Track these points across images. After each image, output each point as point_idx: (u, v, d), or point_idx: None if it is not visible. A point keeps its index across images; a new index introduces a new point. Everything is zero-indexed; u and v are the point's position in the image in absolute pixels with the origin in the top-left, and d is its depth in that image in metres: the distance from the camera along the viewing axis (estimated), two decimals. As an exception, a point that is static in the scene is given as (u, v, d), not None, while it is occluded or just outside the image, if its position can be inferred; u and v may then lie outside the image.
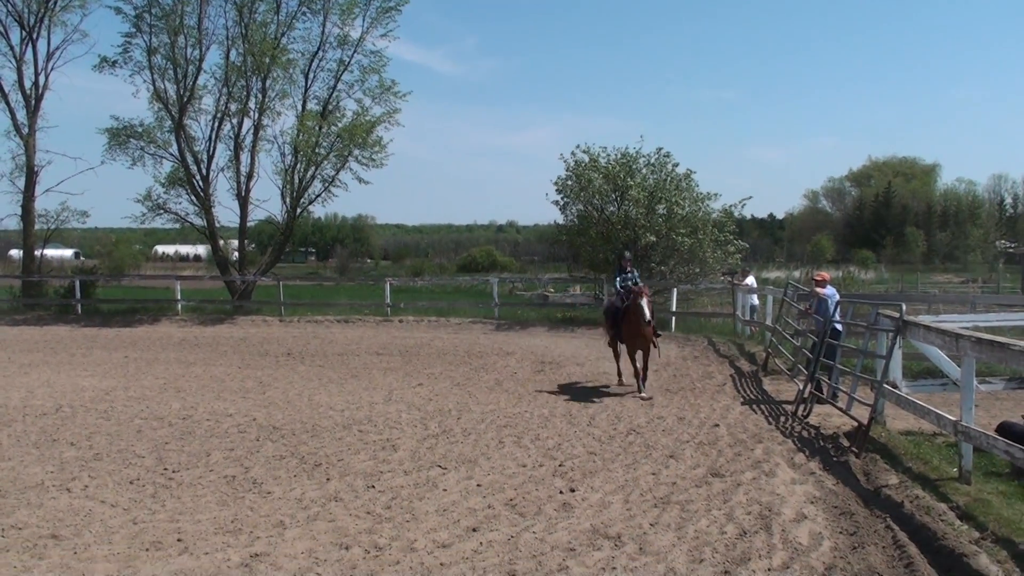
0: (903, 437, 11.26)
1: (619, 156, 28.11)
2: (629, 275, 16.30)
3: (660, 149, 28.10)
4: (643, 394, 15.06)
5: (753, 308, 23.78)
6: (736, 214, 29.33)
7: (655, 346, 15.96)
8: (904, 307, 11.36)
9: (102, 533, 7.70)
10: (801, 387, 13.61)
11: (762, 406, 14.02)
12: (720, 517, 8.10)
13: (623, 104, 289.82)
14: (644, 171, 27.95)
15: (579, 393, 15.39)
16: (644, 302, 15.01)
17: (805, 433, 11.91)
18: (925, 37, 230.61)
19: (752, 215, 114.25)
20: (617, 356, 16.67)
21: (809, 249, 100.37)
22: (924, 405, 10.10)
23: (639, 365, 15.56)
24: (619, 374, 16.55)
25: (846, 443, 11.06)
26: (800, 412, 13.01)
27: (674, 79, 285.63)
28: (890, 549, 7.20)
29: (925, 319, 12.37)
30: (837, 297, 14.54)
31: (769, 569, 6.78)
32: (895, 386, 11.51)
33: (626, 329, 15.62)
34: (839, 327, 14.00)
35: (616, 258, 20.42)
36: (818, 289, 14.62)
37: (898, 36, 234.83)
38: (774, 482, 9.32)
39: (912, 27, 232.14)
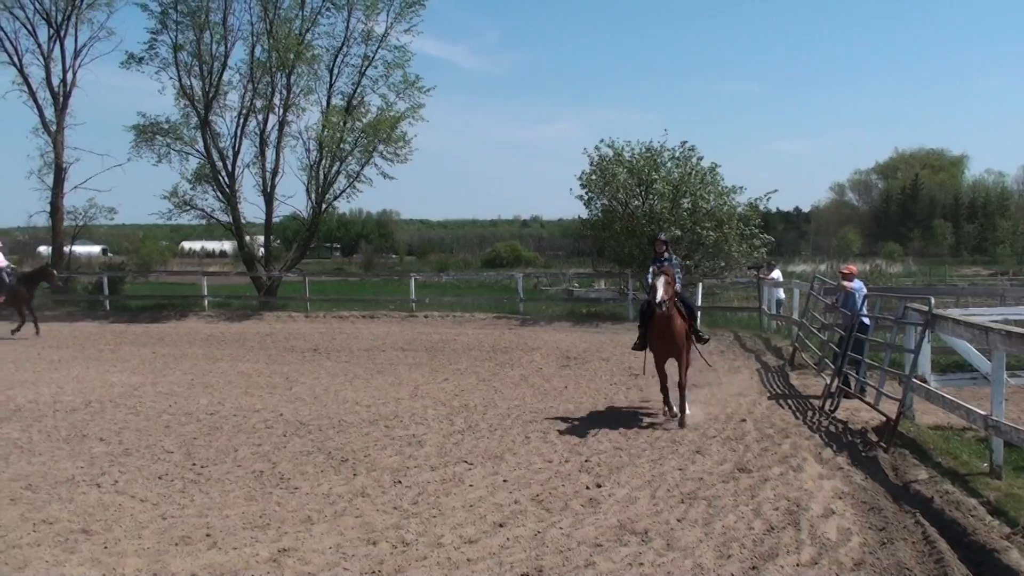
0: (932, 432, 11.17)
1: (643, 150, 28.07)
2: (665, 261, 12.75)
3: (685, 143, 28.08)
4: (682, 418, 12.15)
5: (779, 302, 23.66)
6: (761, 207, 29.22)
7: (695, 351, 13.28)
8: (932, 300, 11.26)
9: (132, 528, 7.76)
10: (828, 382, 13.54)
11: (789, 401, 13.96)
12: (747, 513, 8.07)
13: (647, 97, 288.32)
14: (669, 165, 27.89)
15: (604, 388, 15.35)
16: (660, 281, 11.90)
17: (833, 428, 11.84)
18: (952, 26, 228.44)
19: (777, 208, 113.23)
20: (659, 374, 12.89)
21: (835, 242, 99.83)
22: (953, 399, 10.01)
23: (674, 379, 12.56)
24: (666, 403, 12.82)
25: (874, 438, 10.98)
26: (828, 407, 12.94)
27: (697, 72, 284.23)
28: (920, 545, 7.14)
29: (954, 312, 12.25)
30: (864, 291, 14.44)
31: (798, 565, 6.74)
32: (924, 380, 11.42)
33: (652, 331, 12.53)
34: (867, 321, 13.90)
35: (650, 243, 19.61)
36: (845, 283, 14.51)
37: (924, 26, 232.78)
38: (802, 477, 9.27)
39: (938, 16, 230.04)
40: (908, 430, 10.98)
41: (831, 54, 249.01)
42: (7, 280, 23.30)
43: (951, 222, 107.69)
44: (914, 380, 11.16)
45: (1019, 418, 10.52)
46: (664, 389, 12.76)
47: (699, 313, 11.74)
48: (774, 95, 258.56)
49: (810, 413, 12.92)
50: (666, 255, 12.92)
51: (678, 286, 12.49)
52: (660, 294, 11.74)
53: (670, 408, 12.62)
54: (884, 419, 11.31)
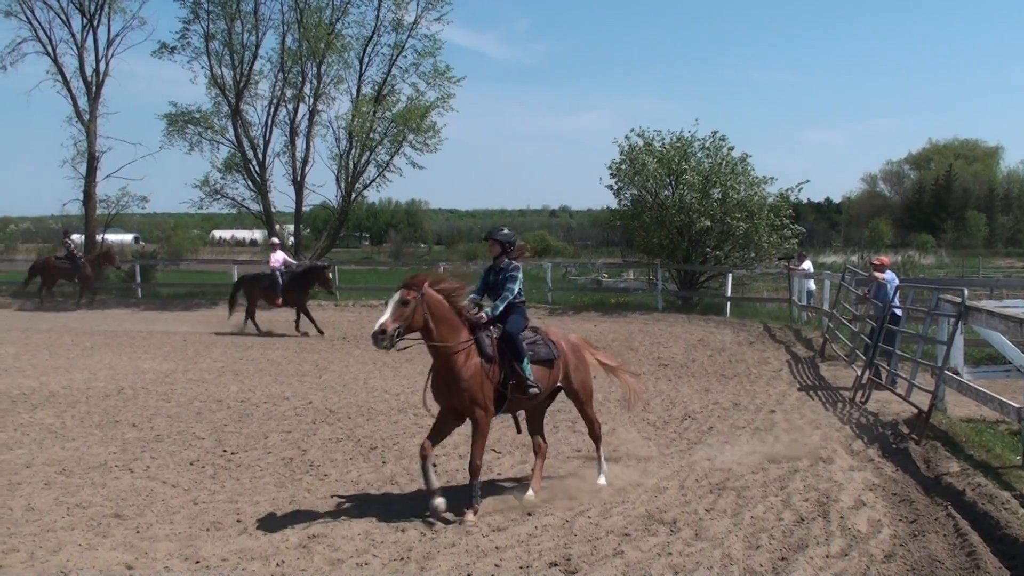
0: (964, 424, 11.06)
1: (674, 140, 27.88)
2: (501, 272, 8.68)
3: (715, 132, 27.83)
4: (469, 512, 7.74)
5: (810, 293, 23.50)
6: (792, 198, 28.96)
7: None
8: (966, 292, 11.16)
9: (163, 513, 7.85)
10: (859, 373, 13.45)
11: (819, 392, 13.87)
12: (777, 504, 8.04)
13: (677, 87, 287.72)
14: (699, 155, 27.68)
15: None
16: (392, 302, 7.79)
17: (863, 420, 11.76)
18: (987, 16, 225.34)
19: (808, 199, 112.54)
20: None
21: (867, 233, 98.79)
22: (986, 392, 9.92)
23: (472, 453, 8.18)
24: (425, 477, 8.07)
25: (906, 430, 10.90)
26: (858, 398, 12.86)
27: (730, 61, 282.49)
28: (951, 537, 7.08)
29: (988, 304, 12.13)
30: (896, 282, 14.33)
31: (827, 556, 6.71)
32: (956, 372, 11.33)
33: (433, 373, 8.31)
34: (899, 312, 13.79)
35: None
36: (877, 274, 14.41)
37: (959, 15, 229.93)
38: (832, 469, 9.22)
39: (974, 5, 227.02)
40: (940, 422, 10.88)
41: (865, 43, 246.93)
42: (280, 281, 22.49)
43: (985, 213, 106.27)
44: (947, 372, 11.07)
45: (1053, 411, 10.39)
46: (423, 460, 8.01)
47: (527, 356, 8.22)
48: (807, 84, 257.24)
49: (840, 405, 12.84)
50: (504, 262, 8.60)
51: (490, 308, 8.46)
52: (380, 321, 7.62)
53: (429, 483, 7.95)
54: (916, 411, 11.23)
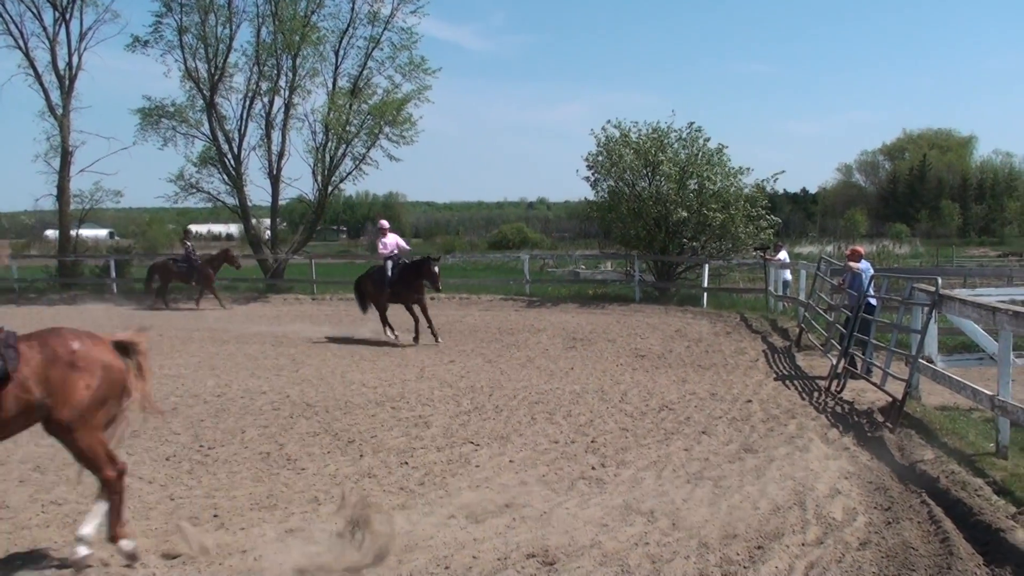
0: (938, 412, 11.17)
1: (650, 131, 27.93)
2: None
3: (692, 124, 27.92)
4: None
5: (786, 283, 23.64)
6: (768, 189, 29.10)
7: None
8: (940, 281, 11.25)
9: (140, 509, 7.80)
10: (835, 362, 13.53)
11: (795, 382, 13.95)
12: (753, 493, 8.08)
13: (654, 79, 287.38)
14: (675, 146, 27.75)
15: (611, 370, 15.36)
16: None
17: (839, 408, 11.85)
18: (961, 7, 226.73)
19: (785, 190, 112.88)
20: None
21: (842, 223, 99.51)
22: (960, 380, 10.00)
23: None
24: None
25: (880, 418, 10.99)
26: (834, 387, 12.94)
27: (707, 53, 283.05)
28: (925, 524, 7.15)
29: (961, 293, 12.24)
30: (871, 271, 14.42)
31: (803, 544, 6.76)
32: (930, 361, 11.42)
33: None
34: (873, 302, 13.89)
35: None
36: (852, 263, 14.49)
37: (934, 6, 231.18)
38: (808, 457, 9.28)
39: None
40: (914, 410, 10.98)
41: (842, 34, 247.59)
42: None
43: (959, 203, 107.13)
44: (921, 360, 11.16)
45: (1026, 398, 10.50)
46: None
47: None
48: (785, 76, 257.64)
49: (816, 394, 12.92)
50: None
51: None
52: None
53: None
54: (890, 399, 11.32)
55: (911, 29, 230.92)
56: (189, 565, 6.49)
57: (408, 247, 20.95)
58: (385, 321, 19.34)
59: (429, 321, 18.95)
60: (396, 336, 19.01)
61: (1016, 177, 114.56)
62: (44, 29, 32.56)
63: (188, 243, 28.42)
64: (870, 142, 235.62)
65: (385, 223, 21.00)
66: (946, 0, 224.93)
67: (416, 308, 19.06)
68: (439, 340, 18.62)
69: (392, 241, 19.98)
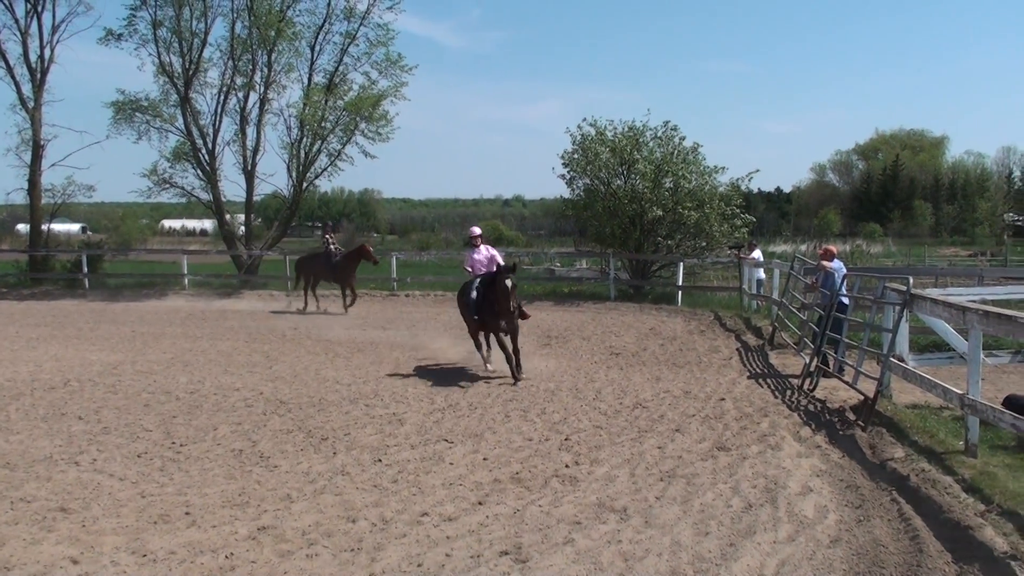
0: (909, 411, 11.26)
1: (626, 129, 27.99)
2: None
3: (667, 122, 27.98)
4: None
5: (760, 282, 23.75)
6: (743, 187, 29.25)
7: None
8: (911, 280, 11.33)
9: (110, 506, 7.75)
10: (807, 361, 13.61)
11: (768, 380, 14.02)
12: (726, 490, 8.12)
13: (631, 77, 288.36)
14: (651, 144, 27.82)
15: (585, 367, 15.38)
16: None
17: (811, 407, 11.92)
18: (934, 8, 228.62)
19: (759, 189, 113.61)
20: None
21: (816, 223, 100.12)
22: (930, 378, 10.09)
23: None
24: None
25: (852, 417, 11.06)
26: (806, 386, 13.01)
27: (684, 51, 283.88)
28: (896, 522, 7.21)
29: (932, 292, 12.33)
30: (844, 270, 14.50)
31: (775, 542, 6.80)
32: (901, 360, 11.51)
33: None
34: (845, 301, 13.97)
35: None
36: (824, 262, 14.57)
37: (908, 7, 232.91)
38: (780, 455, 9.34)
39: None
40: (885, 409, 11.06)
41: (817, 35, 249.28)
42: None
43: (931, 203, 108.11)
44: (892, 359, 11.24)
45: (995, 397, 10.60)
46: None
47: None
48: (760, 75, 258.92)
49: (789, 392, 12.99)
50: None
51: None
52: None
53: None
54: (862, 398, 11.39)
55: (885, 30, 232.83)
56: (160, 562, 6.45)
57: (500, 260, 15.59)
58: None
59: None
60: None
61: (987, 178, 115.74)
62: (16, 21, 32.23)
63: (330, 237, 26.16)
64: (844, 142, 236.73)
65: (477, 229, 16.27)
66: (920, 2, 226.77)
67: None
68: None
69: (484, 256, 15.50)
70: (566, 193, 30.09)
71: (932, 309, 10.57)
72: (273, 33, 31.18)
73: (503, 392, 13.00)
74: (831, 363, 13.56)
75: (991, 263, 51.54)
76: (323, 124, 32.20)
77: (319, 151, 33.00)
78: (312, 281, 25.44)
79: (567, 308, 25.11)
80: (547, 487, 8.32)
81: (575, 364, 15.70)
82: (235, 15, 31.90)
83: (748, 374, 14.60)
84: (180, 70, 31.91)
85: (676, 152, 27.53)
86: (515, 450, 9.72)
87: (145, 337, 19.49)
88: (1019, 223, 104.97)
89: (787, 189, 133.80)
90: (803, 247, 56.40)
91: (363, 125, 32.55)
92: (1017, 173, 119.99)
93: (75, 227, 79.95)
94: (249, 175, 32.94)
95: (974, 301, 10.56)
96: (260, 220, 40.02)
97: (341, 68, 32.89)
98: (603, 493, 8.07)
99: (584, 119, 29.42)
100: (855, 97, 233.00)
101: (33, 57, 32.45)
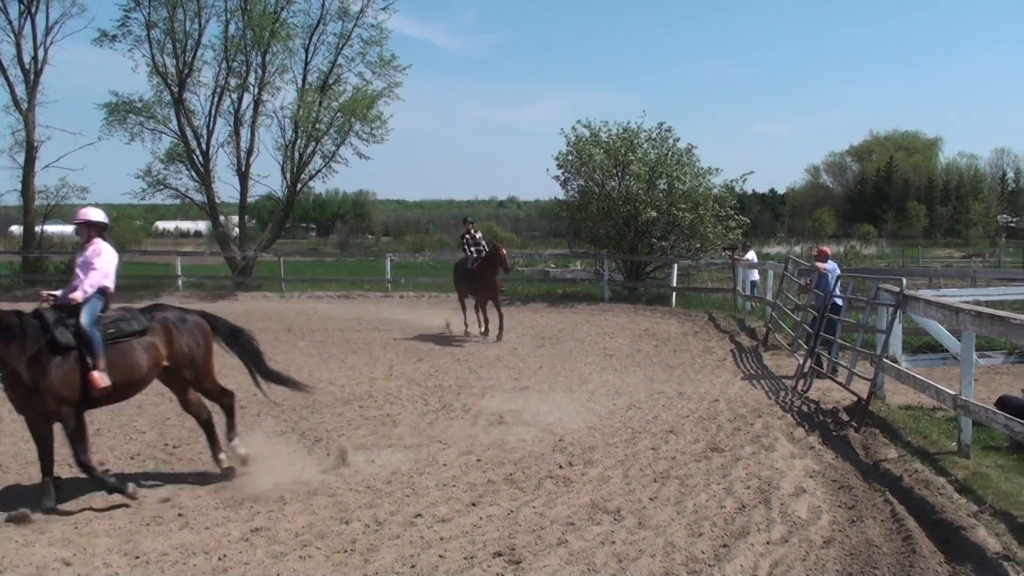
0: (902, 411, 11.27)
1: (620, 131, 28.03)
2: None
3: (662, 124, 28.08)
4: None
5: (754, 283, 23.77)
6: (737, 189, 29.32)
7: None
8: (905, 281, 11.37)
9: (103, 508, 7.73)
10: (801, 362, 13.63)
11: (762, 381, 14.04)
12: (719, 491, 8.13)
13: (627, 79, 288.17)
14: (645, 146, 27.88)
15: (579, 368, 15.38)
16: None
17: (805, 408, 11.93)
18: (928, 10, 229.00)
19: (753, 190, 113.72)
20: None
21: (810, 224, 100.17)
22: (924, 379, 10.11)
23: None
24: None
25: (845, 417, 11.08)
26: (800, 387, 13.03)
27: (680, 53, 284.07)
28: (888, 523, 7.22)
29: (925, 293, 12.36)
30: (838, 272, 14.54)
31: (768, 543, 6.80)
32: (895, 360, 11.53)
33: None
34: (839, 302, 14.01)
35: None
36: (819, 264, 14.61)
37: (902, 9, 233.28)
38: (773, 456, 9.34)
39: (916, 1, 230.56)
40: (879, 410, 11.07)
41: (811, 37, 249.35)
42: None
43: (925, 204, 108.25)
44: (885, 360, 11.26)
45: (987, 398, 10.61)
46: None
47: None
48: (755, 77, 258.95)
49: (782, 393, 13.00)
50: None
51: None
52: None
53: None
54: (855, 399, 11.41)
55: (879, 32, 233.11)
56: (152, 564, 6.44)
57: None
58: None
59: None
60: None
61: (980, 179, 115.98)
62: (10, 23, 32.14)
63: (478, 235, 21.19)
64: (838, 143, 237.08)
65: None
66: (914, 4, 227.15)
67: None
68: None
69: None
70: (560, 194, 30.21)
71: (925, 310, 10.59)
72: (267, 34, 31.20)
73: (497, 394, 13.00)
74: (825, 364, 13.59)
75: (985, 264, 51.60)
76: (317, 125, 32.23)
77: (313, 152, 33.07)
78: (463, 293, 20.39)
79: (561, 309, 25.12)
80: (541, 488, 8.31)
81: (569, 365, 15.69)
82: (229, 16, 31.93)
83: (742, 375, 14.61)
84: (174, 71, 31.89)
85: (670, 153, 27.60)
86: (508, 451, 9.71)
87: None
88: (1012, 224, 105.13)
89: (781, 190, 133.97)
90: (797, 248, 56.43)
91: (357, 126, 32.64)
92: (1010, 175, 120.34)
93: (68, 228, 79.81)
94: (243, 176, 32.94)
95: (967, 302, 10.59)
96: (254, 222, 40.08)
97: (335, 69, 33.02)
98: (597, 494, 8.07)
99: (578, 121, 29.51)
100: (849, 99, 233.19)
101: (27, 58, 32.40)
